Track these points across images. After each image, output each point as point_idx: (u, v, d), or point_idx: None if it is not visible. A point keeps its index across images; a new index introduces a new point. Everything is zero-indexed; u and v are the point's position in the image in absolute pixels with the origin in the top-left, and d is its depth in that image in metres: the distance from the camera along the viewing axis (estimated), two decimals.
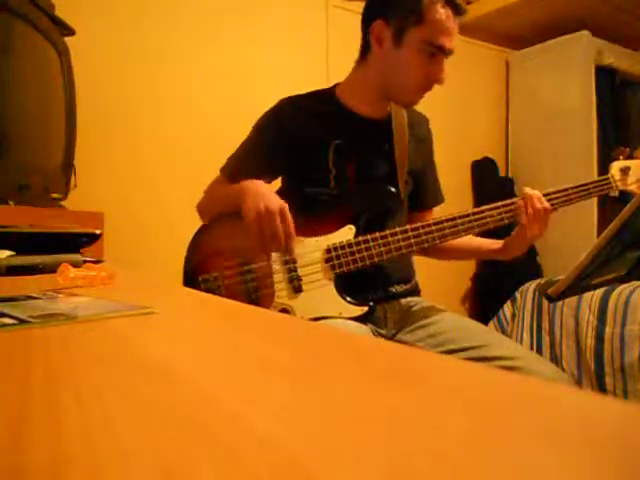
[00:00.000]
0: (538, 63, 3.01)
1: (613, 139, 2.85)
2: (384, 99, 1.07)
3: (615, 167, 1.06)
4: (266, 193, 0.96)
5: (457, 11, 0.96)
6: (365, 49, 1.05)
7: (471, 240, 1.12)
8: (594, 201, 2.70)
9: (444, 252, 1.15)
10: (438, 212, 1.17)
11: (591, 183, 1.04)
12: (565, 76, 2.87)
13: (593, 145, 2.79)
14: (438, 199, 1.21)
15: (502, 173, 3.17)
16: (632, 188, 1.06)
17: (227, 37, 2.20)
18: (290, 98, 1.09)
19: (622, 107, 3.01)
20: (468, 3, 2.80)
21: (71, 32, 1.47)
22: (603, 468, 0.14)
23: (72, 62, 1.45)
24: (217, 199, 1.10)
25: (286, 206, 0.94)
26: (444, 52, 0.97)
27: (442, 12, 0.94)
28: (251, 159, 1.10)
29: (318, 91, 1.11)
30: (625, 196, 1.07)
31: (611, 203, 2.53)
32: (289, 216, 0.93)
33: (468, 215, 1.00)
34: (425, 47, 0.96)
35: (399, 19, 0.97)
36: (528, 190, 1.01)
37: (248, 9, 2.25)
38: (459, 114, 2.94)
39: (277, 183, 1.15)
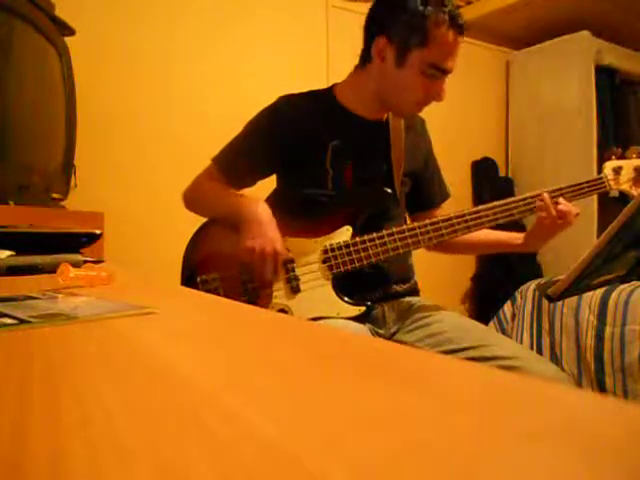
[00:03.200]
0: (538, 63, 3.01)
1: (613, 139, 2.85)
2: (381, 104, 1.07)
3: (608, 167, 1.08)
4: (265, 226, 0.96)
5: (460, 31, 0.95)
6: (366, 58, 1.04)
7: (488, 234, 1.12)
8: (594, 201, 2.71)
9: (460, 247, 1.15)
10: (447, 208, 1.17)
11: (585, 183, 1.05)
12: (565, 76, 2.87)
13: (593, 145, 2.79)
14: (444, 195, 1.21)
15: (502, 173, 3.17)
16: (624, 187, 1.07)
17: (227, 37, 2.20)
18: (289, 96, 1.09)
19: (622, 107, 3.01)
20: (468, 3, 2.80)
21: (71, 32, 1.47)
22: (603, 468, 0.14)
23: (72, 62, 1.45)
24: (211, 200, 1.08)
25: (281, 249, 0.95)
26: (446, 73, 0.97)
27: (446, 34, 0.93)
28: (246, 155, 1.09)
29: (317, 91, 1.11)
30: (625, 196, 1.07)
31: (611, 203, 2.53)
32: (280, 260, 0.96)
33: (464, 215, 1.00)
34: (428, 69, 0.95)
35: (403, 39, 0.95)
36: (547, 197, 1.00)
37: (248, 9, 2.25)
38: (459, 114, 2.94)
39: (271, 183, 1.15)
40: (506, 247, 1.14)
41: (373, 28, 1.01)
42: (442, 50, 0.94)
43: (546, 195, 1.01)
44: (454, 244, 1.12)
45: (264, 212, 0.98)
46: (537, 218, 1.02)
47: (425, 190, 1.17)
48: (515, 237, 1.11)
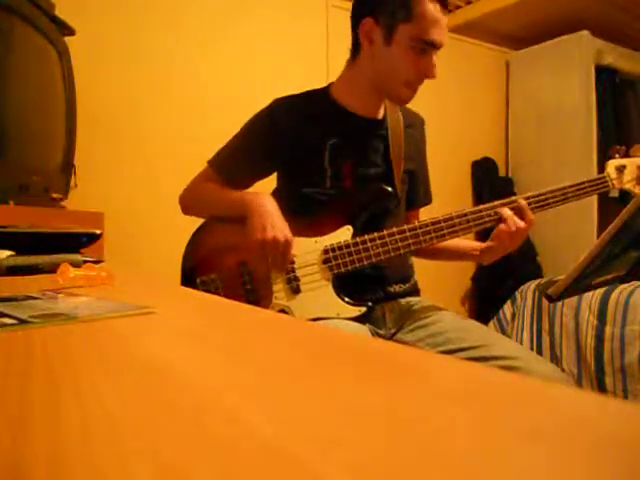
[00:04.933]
0: (538, 63, 3.01)
1: (613, 139, 2.85)
2: (378, 97, 1.07)
3: (611, 166, 1.06)
4: (274, 216, 0.97)
5: (444, 4, 0.96)
6: (356, 48, 1.05)
7: (458, 242, 1.12)
8: (594, 201, 2.70)
9: (430, 253, 1.15)
10: (425, 214, 1.17)
11: (587, 182, 1.04)
12: (565, 76, 2.87)
13: (593, 145, 2.79)
14: (427, 200, 1.21)
15: (502, 173, 3.17)
16: (628, 187, 1.05)
17: (227, 37, 2.20)
18: (284, 98, 1.09)
19: (622, 107, 3.01)
20: (468, 3, 2.80)
21: (71, 32, 1.47)
22: (602, 468, 0.14)
23: (72, 62, 1.45)
24: (213, 199, 1.08)
25: (291, 238, 0.96)
26: (434, 47, 0.97)
27: (431, 7, 0.94)
28: (243, 158, 1.09)
29: (312, 91, 1.11)
30: (625, 196, 1.07)
31: (611, 203, 2.53)
32: (292, 248, 0.96)
33: (466, 214, 1.00)
34: (416, 43, 0.96)
35: (388, 16, 0.97)
36: (505, 211, 0.99)
37: (248, 9, 2.25)
38: (459, 114, 2.94)
39: (271, 182, 1.15)
40: (466, 257, 1.14)
41: (359, 12, 1.02)
42: (427, 22, 0.95)
43: (509, 208, 1.00)
44: (427, 250, 1.12)
45: (270, 204, 0.99)
46: (496, 230, 1.01)
47: (412, 191, 1.17)
48: (473, 248, 1.10)
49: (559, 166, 2.85)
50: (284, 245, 0.95)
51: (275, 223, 0.96)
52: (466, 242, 1.14)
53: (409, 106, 1.16)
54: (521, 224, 0.99)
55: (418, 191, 1.18)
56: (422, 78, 1.00)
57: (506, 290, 2.31)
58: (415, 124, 1.16)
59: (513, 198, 1.02)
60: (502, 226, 0.99)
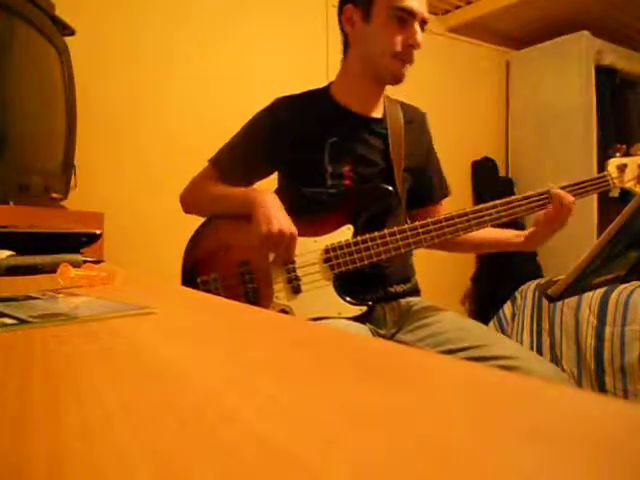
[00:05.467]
0: (538, 63, 3.01)
1: (613, 139, 2.85)
2: (374, 90, 1.07)
3: (612, 164, 1.06)
4: (279, 211, 0.98)
5: None
6: (345, 42, 1.07)
7: (488, 232, 1.11)
8: (594, 201, 2.70)
9: (460, 246, 1.15)
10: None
11: (588, 181, 1.04)
12: (565, 76, 2.87)
13: (593, 145, 2.78)
14: (444, 192, 1.21)
15: (502, 173, 3.17)
16: (629, 185, 1.05)
17: (227, 37, 2.20)
18: (285, 98, 1.09)
19: (622, 107, 3.01)
20: (468, 3, 2.80)
21: (71, 32, 1.47)
22: (602, 468, 0.14)
23: (72, 62, 1.45)
24: (216, 197, 1.08)
25: (296, 232, 0.97)
26: (413, 15, 0.98)
27: None
28: (244, 157, 1.09)
29: (313, 90, 1.12)
30: (625, 196, 1.06)
31: (611, 203, 2.53)
32: (296, 241, 0.97)
33: (466, 214, 1.00)
34: (393, 12, 0.97)
35: None
36: (557, 190, 1.01)
37: (248, 9, 2.25)
38: (459, 114, 2.94)
39: (272, 182, 1.15)
40: (506, 246, 1.14)
41: (340, 5, 1.05)
42: None
43: (557, 189, 1.01)
44: (454, 243, 1.12)
45: (274, 200, 1.00)
46: (546, 212, 1.01)
47: (425, 186, 1.17)
48: (516, 235, 1.10)
49: (559, 166, 2.85)
50: (289, 238, 0.96)
51: (280, 217, 0.96)
52: (504, 231, 1.12)
53: (408, 102, 1.17)
54: (571, 198, 0.99)
55: (432, 186, 1.18)
56: (408, 49, 1.00)
57: (506, 290, 2.31)
58: (415, 119, 1.15)
59: (512, 198, 1.02)
60: (552, 207, 0.99)
